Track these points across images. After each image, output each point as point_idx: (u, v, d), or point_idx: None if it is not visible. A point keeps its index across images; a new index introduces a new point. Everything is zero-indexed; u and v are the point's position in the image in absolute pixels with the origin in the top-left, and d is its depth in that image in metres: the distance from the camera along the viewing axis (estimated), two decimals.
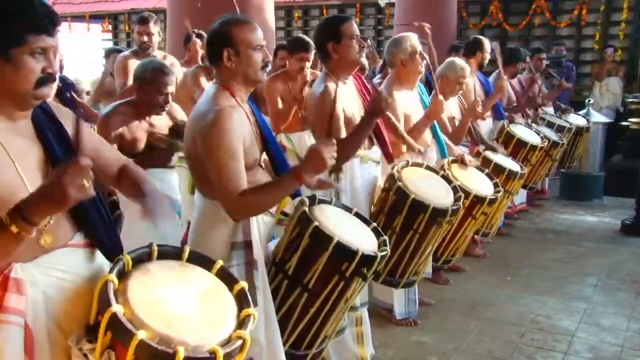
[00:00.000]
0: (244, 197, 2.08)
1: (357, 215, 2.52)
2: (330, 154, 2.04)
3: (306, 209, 2.23)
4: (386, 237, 2.42)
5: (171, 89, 3.05)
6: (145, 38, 4.52)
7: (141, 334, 1.40)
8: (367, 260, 2.21)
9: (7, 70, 1.47)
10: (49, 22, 1.50)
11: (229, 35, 2.15)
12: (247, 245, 2.19)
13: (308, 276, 2.21)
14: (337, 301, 2.28)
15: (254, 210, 2.17)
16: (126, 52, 4.91)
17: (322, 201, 2.41)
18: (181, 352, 1.39)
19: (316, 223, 2.18)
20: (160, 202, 1.73)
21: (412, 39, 3.65)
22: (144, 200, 1.71)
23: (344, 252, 2.17)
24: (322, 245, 2.17)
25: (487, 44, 5.16)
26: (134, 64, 4.53)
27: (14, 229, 1.35)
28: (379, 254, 2.24)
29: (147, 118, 3.08)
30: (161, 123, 3.14)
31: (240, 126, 2.12)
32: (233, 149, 2.07)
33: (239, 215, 2.14)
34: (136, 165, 1.90)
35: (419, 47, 3.64)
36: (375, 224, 2.51)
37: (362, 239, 2.33)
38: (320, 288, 2.22)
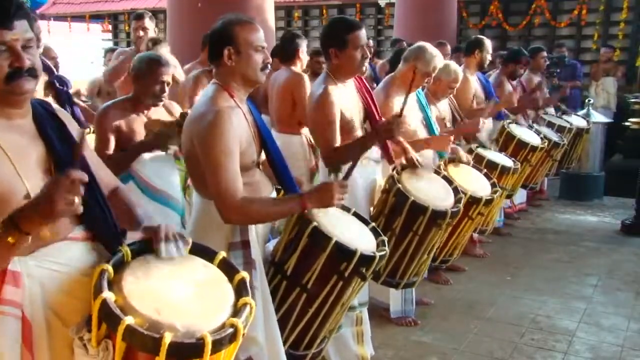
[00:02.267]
0: (241, 201, 2.08)
1: (356, 215, 2.51)
2: (340, 196, 2.17)
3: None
4: (385, 238, 2.42)
5: (167, 78, 3.06)
6: (141, 33, 4.71)
7: (128, 320, 1.40)
8: (366, 260, 2.20)
9: None
10: (1, 16, 1.46)
11: (231, 34, 2.16)
12: (245, 245, 2.18)
13: (307, 276, 2.20)
14: (336, 301, 2.27)
15: (246, 217, 2.15)
16: (126, 49, 4.99)
17: None
18: (167, 338, 1.38)
19: (315, 223, 2.18)
20: (159, 225, 1.72)
21: (439, 63, 3.63)
22: (143, 228, 1.72)
23: (343, 252, 2.17)
24: (320, 245, 2.17)
25: (487, 43, 5.15)
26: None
27: (10, 240, 1.38)
28: (378, 254, 2.24)
29: (145, 112, 3.08)
30: (159, 118, 3.14)
31: (238, 127, 2.13)
32: (229, 150, 2.07)
33: (230, 217, 2.12)
34: (125, 190, 1.91)
35: (436, 72, 3.66)
36: (374, 224, 2.51)
37: (361, 239, 2.32)
38: (319, 288, 2.22)
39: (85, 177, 1.40)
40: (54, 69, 4.98)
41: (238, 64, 2.17)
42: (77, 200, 1.38)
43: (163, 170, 3.19)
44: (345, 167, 2.95)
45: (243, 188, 2.15)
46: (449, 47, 6.36)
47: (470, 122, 4.30)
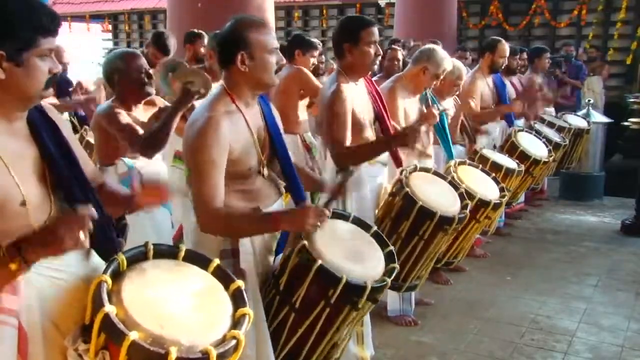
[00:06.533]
0: (216, 212, 2.03)
1: (356, 221, 2.37)
2: (315, 222, 2.02)
3: None
4: (396, 265, 2.23)
5: (146, 66, 3.01)
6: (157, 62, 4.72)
7: (133, 335, 1.39)
8: (354, 289, 2.04)
9: (17, 74, 1.48)
10: (56, 24, 1.52)
11: (244, 38, 2.07)
12: (234, 253, 2.13)
13: (295, 296, 2.10)
14: (326, 327, 2.13)
15: (220, 228, 2.09)
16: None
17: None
18: (173, 353, 1.38)
19: (304, 241, 2.07)
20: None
21: (448, 65, 3.67)
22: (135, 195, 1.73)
23: (328, 277, 2.03)
24: (306, 266, 2.05)
25: (500, 45, 4.98)
26: None
27: (12, 266, 1.38)
28: (369, 285, 2.04)
29: (133, 109, 3.00)
30: (144, 118, 3.09)
31: (230, 134, 2.07)
32: (213, 159, 2.03)
33: (205, 225, 2.08)
34: (110, 182, 1.93)
35: (444, 74, 3.69)
36: (375, 228, 2.39)
37: (364, 260, 2.18)
38: (306, 310, 2.10)
39: (95, 214, 1.44)
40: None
41: (252, 69, 2.08)
42: (82, 236, 1.40)
43: (157, 170, 3.15)
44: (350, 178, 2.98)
45: (240, 196, 2.13)
46: (441, 46, 6.36)
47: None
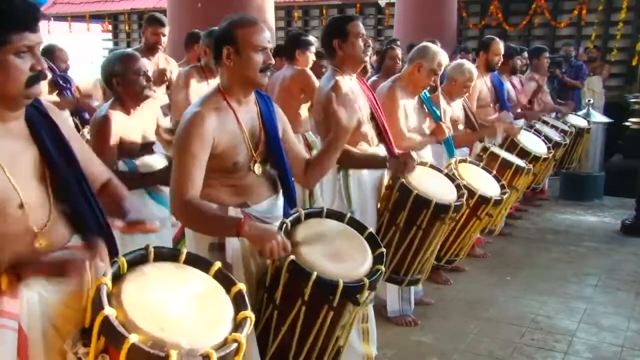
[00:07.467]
0: (186, 203, 2.06)
1: (351, 222, 2.31)
2: (274, 251, 1.96)
3: (288, 223, 2.15)
4: (382, 267, 2.15)
5: (145, 68, 2.97)
6: (159, 38, 4.70)
7: (133, 338, 1.38)
8: (326, 286, 1.99)
9: None
10: (31, 19, 1.45)
11: (231, 34, 2.13)
12: (221, 247, 2.16)
13: (277, 293, 2.09)
14: (307, 326, 2.09)
15: (187, 220, 2.13)
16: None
17: (324, 214, 2.28)
18: (174, 356, 1.38)
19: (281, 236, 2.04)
20: (143, 213, 1.75)
21: (443, 59, 3.66)
22: (127, 216, 1.71)
23: (299, 272, 2.01)
24: (282, 261, 2.04)
25: (494, 44, 5.01)
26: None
27: (3, 284, 1.40)
28: (341, 283, 1.99)
29: (131, 111, 2.96)
30: (143, 120, 3.07)
31: (215, 129, 2.10)
32: (192, 152, 2.06)
33: (175, 215, 2.15)
34: (119, 181, 1.89)
35: (441, 70, 3.68)
36: (371, 230, 2.31)
37: (348, 263, 2.13)
38: (285, 308, 2.09)
39: (104, 250, 1.48)
40: (56, 68, 4.98)
41: (237, 65, 2.13)
42: (88, 275, 1.42)
43: (152, 164, 3.15)
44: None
45: (228, 190, 2.17)
46: (439, 45, 6.36)
47: (489, 130, 4.41)
